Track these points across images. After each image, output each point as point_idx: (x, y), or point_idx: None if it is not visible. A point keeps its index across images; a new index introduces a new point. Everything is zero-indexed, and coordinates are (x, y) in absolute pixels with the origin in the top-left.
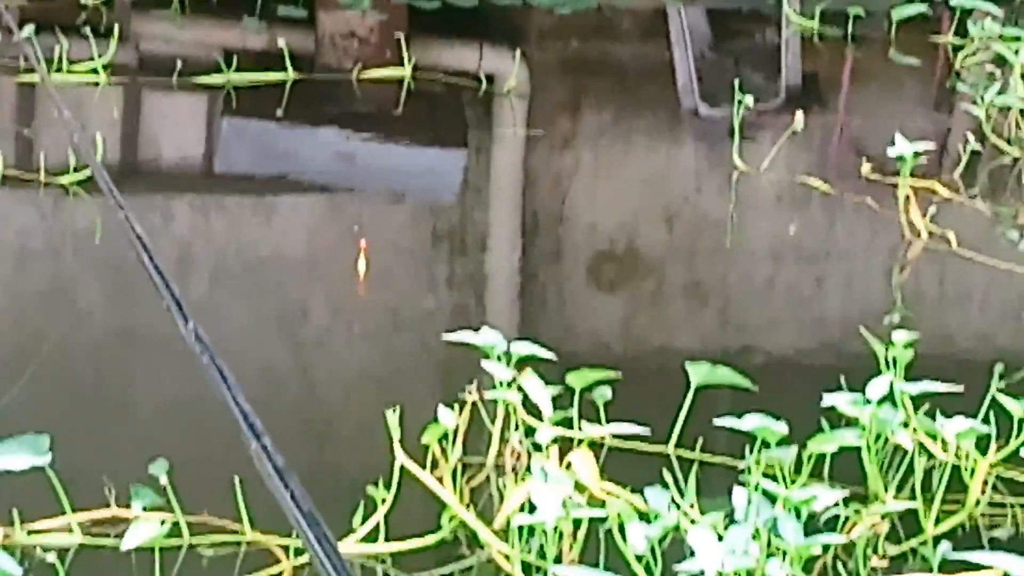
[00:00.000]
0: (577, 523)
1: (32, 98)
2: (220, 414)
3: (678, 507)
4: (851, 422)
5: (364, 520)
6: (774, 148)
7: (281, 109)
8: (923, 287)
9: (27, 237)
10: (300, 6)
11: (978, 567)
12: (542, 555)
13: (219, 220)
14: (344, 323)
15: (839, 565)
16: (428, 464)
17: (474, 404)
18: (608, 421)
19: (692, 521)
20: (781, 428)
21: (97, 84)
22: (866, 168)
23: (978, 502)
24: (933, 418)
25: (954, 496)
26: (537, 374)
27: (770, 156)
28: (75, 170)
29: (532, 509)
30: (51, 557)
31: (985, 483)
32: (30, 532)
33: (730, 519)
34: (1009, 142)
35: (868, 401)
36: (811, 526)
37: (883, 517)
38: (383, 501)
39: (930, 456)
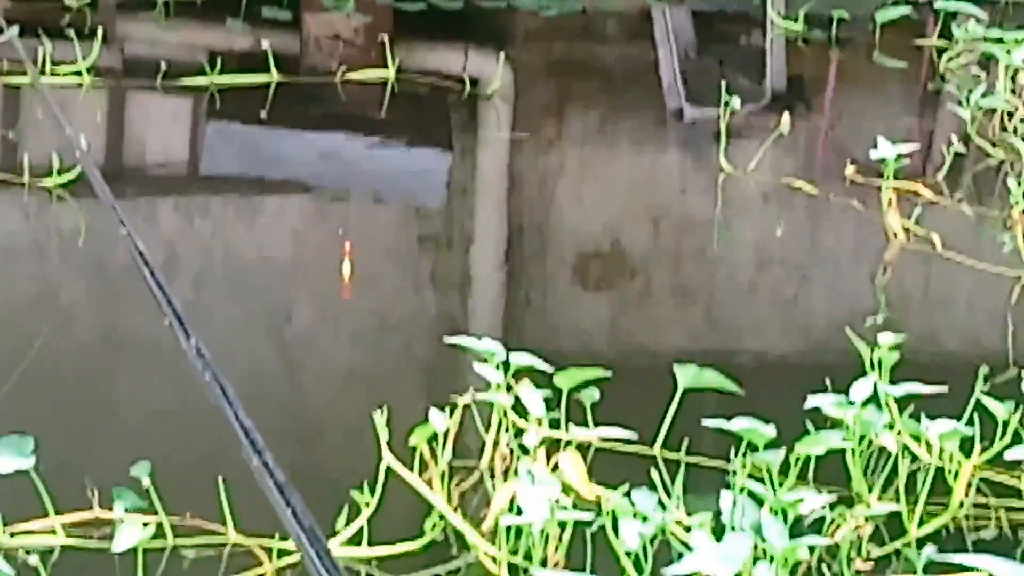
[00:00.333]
0: (563, 525)
1: (16, 100)
2: (203, 416)
3: (664, 508)
4: (836, 424)
5: (348, 523)
6: (760, 150)
7: (266, 111)
8: (908, 289)
9: (11, 239)
10: (285, 8)
11: (963, 568)
12: (528, 557)
13: (204, 222)
14: (329, 325)
15: (823, 567)
16: (416, 466)
17: (465, 407)
18: (594, 422)
19: (678, 522)
20: (769, 431)
21: (81, 86)
22: (850, 170)
23: (962, 504)
24: (918, 420)
25: (938, 498)
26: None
27: (756, 158)
28: (59, 172)
29: (520, 511)
30: (34, 559)
31: (969, 485)
32: (13, 534)
33: (717, 520)
34: (993, 144)
35: (852, 403)
36: (796, 528)
37: (867, 519)
38: (367, 505)
39: (914, 458)
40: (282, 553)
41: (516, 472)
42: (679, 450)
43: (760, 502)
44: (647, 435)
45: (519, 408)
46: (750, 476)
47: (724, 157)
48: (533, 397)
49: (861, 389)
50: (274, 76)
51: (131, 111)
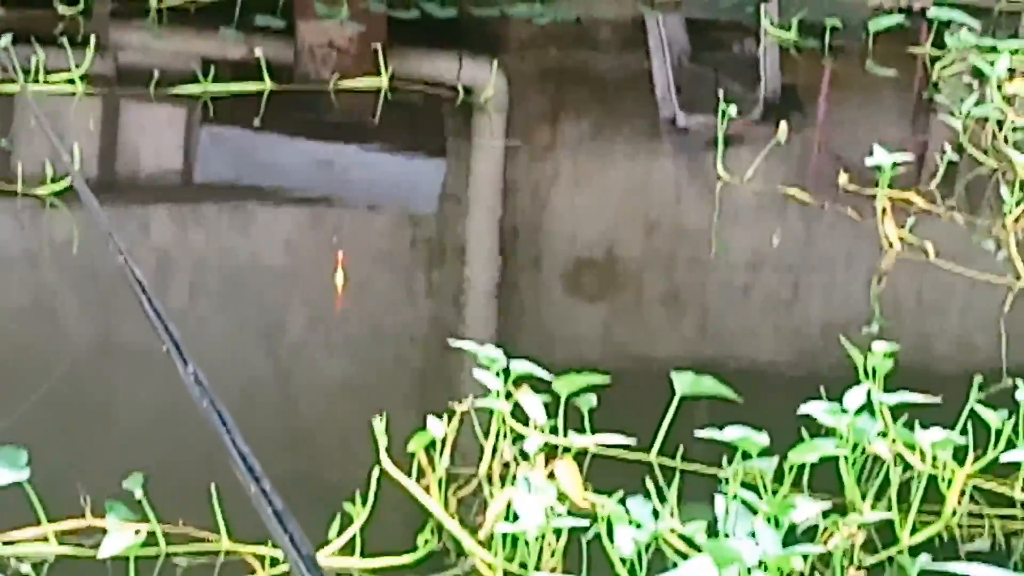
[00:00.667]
0: (559, 533)
1: (9, 108)
2: (195, 424)
3: (657, 516)
4: (830, 432)
5: (341, 531)
6: (757, 158)
7: (259, 119)
8: (901, 297)
9: (3, 248)
10: (278, 16)
11: None
12: (524, 565)
13: (197, 230)
14: (323, 332)
15: (816, 575)
16: (414, 473)
17: (462, 414)
18: (591, 428)
19: (672, 531)
20: (762, 439)
21: (74, 94)
22: (844, 179)
23: (955, 512)
24: (911, 428)
25: (931, 506)
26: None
27: (753, 166)
28: (52, 181)
29: (516, 518)
30: (26, 568)
31: (962, 493)
32: (5, 543)
33: (712, 528)
34: (986, 153)
35: (845, 411)
36: (789, 536)
37: (860, 527)
38: (358, 515)
39: (908, 466)
40: (274, 561)
41: (514, 479)
42: (675, 457)
43: (754, 510)
44: (642, 442)
45: (517, 414)
46: (744, 484)
47: (720, 165)
48: (533, 403)
49: (855, 397)
50: (267, 84)
51: (124, 119)
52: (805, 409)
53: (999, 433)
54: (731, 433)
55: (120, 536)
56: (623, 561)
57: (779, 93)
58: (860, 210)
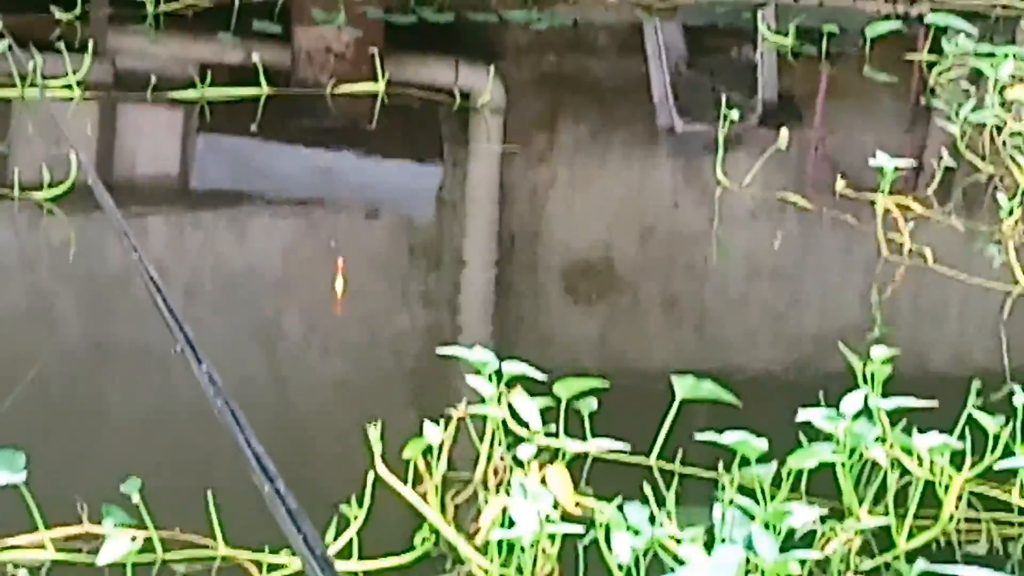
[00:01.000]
0: (554, 539)
1: (7, 113)
2: (193, 429)
3: (653, 521)
4: (828, 438)
5: (337, 536)
6: (756, 164)
7: (256, 124)
8: (900, 303)
9: (2, 253)
10: (276, 22)
11: None
12: (520, 571)
13: (194, 235)
14: (319, 338)
15: None
16: (410, 479)
17: (460, 420)
18: (591, 432)
19: (671, 536)
20: (761, 444)
21: (72, 99)
22: (841, 184)
23: (952, 518)
24: (909, 433)
25: (929, 512)
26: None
27: (752, 171)
28: (50, 185)
29: (511, 524)
30: (23, 573)
31: (959, 499)
32: (2, 548)
33: (710, 534)
34: (983, 159)
35: (843, 416)
36: (787, 541)
37: (857, 533)
38: (355, 518)
39: (905, 472)
40: (272, 567)
41: (510, 485)
42: (674, 461)
43: (752, 516)
44: (640, 447)
45: (516, 417)
46: (741, 489)
47: (720, 170)
48: (527, 406)
49: (852, 402)
50: (264, 89)
51: (122, 124)
52: (803, 415)
53: (996, 438)
54: (730, 437)
55: (119, 542)
56: (620, 567)
57: (776, 99)
58: (858, 215)
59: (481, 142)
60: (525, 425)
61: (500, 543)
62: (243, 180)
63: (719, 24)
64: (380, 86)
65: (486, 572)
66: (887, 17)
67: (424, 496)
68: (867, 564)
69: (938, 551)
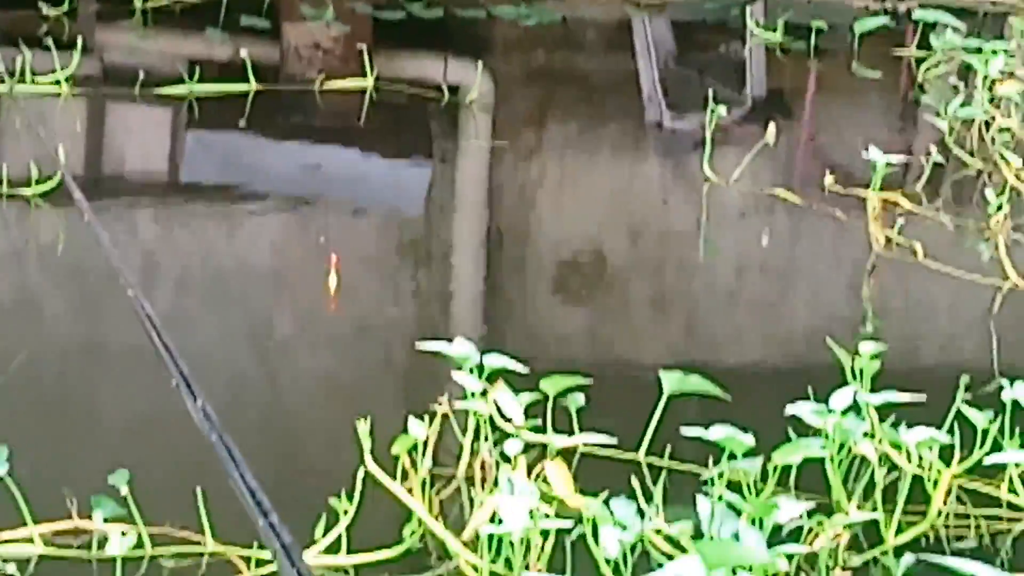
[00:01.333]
0: (544, 534)
1: None
2: (181, 425)
3: (643, 516)
4: (817, 433)
5: (327, 532)
6: (744, 159)
7: (245, 120)
8: (888, 298)
9: None
10: (264, 17)
11: (945, 570)
12: (509, 566)
13: (183, 231)
14: (309, 334)
15: (801, 575)
16: (398, 475)
17: (443, 416)
18: (578, 428)
19: (658, 531)
20: (748, 439)
21: (60, 95)
22: (829, 180)
23: (940, 512)
24: (898, 429)
25: (918, 507)
26: (507, 384)
27: (741, 167)
28: (38, 182)
29: (500, 520)
30: (11, 568)
31: (948, 493)
32: None
33: (697, 528)
34: (972, 155)
35: (832, 411)
36: (775, 536)
37: (846, 527)
38: (345, 512)
39: (893, 466)
40: (260, 562)
41: (496, 481)
42: (663, 456)
43: (739, 511)
44: (628, 443)
45: (501, 414)
46: (730, 484)
47: (708, 166)
48: (510, 401)
49: (841, 398)
50: (253, 85)
51: (110, 120)
52: (791, 410)
53: (985, 433)
54: (717, 432)
55: (118, 540)
56: (608, 562)
57: (765, 95)
58: (846, 211)
59: (470, 138)
60: (508, 420)
61: (490, 538)
62: (232, 176)
63: (708, 20)
64: (369, 82)
65: (475, 568)
66: (875, 13)
67: (410, 491)
68: (855, 559)
69: (927, 546)
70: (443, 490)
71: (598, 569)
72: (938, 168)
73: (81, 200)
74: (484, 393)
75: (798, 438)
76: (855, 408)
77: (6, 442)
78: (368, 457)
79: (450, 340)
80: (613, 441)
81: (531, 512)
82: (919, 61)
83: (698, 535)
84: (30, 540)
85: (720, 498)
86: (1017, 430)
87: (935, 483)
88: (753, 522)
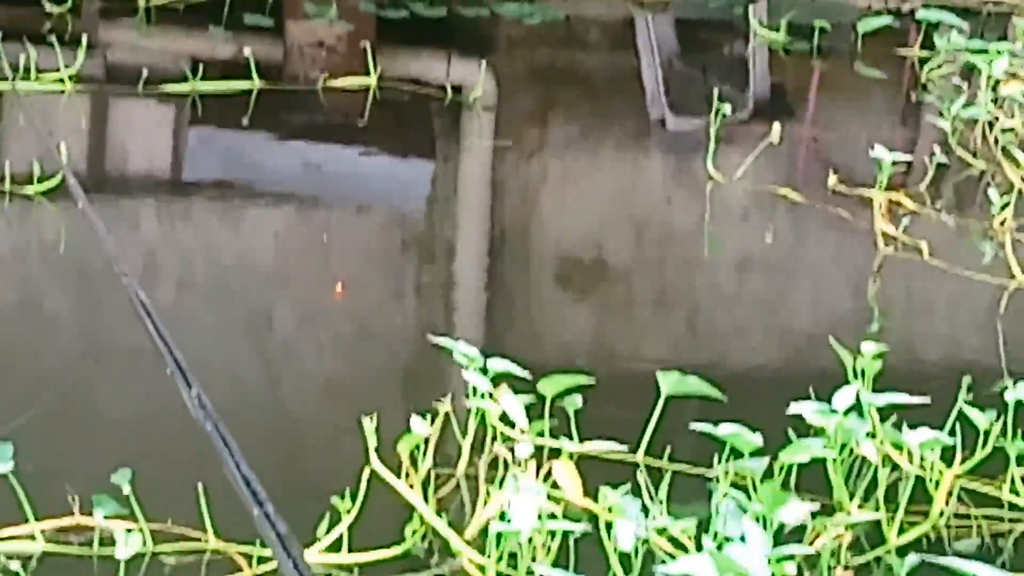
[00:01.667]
0: (552, 534)
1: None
2: (182, 422)
3: (647, 513)
4: (818, 432)
5: (330, 530)
6: (748, 158)
7: (248, 118)
8: (893, 297)
9: None
10: (268, 15)
11: (946, 570)
12: (514, 565)
13: (186, 228)
14: (311, 331)
15: (803, 575)
16: (401, 473)
17: (446, 414)
18: (576, 429)
19: (662, 530)
20: (756, 439)
21: (63, 92)
22: (833, 179)
23: (942, 513)
24: (900, 429)
25: (920, 507)
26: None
27: (744, 166)
28: (40, 180)
29: (507, 519)
30: (15, 565)
31: (950, 494)
32: None
33: (699, 529)
34: (975, 155)
35: (834, 411)
36: (777, 536)
37: (847, 528)
38: (348, 511)
39: (895, 467)
40: (262, 560)
41: (499, 480)
42: (661, 457)
43: (745, 509)
44: (628, 443)
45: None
46: (733, 484)
47: (711, 165)
48: (514, 404)
49: (843, 398)
50: (256, 83)
51: (114, 117)
52: (794, 409)
53: (987, 434)
54: (725, 429)
55: (123, 541)
56: (620, 556)
57: (768, 94)
58: (850, 210)
59: (473, 137)
60: (511, 424)
61: (499, 536)
62: (235, 174)
63: (711, 19)
64: (372, 80)
65: (480, 567)
66: (879, 13)
67: (412, 488)
68: (857, 559)
69: (928, 546)
70: (439, 488)
71: (602, 568)
72: (942, 168)
73: (77, 191)
74: (491, 395)
75: (799, 438)
76: (857, 408)
77: (10, 439)
78: (373, 455)
79: (453, 338)
80: (622, 448)
81: (540, 512)
82: (922, 61)
83: (703, 534)
84: (32, 537)
85: (726, 495)
86: (1020, 431)
87: (937, 484)
88: (758, 520)
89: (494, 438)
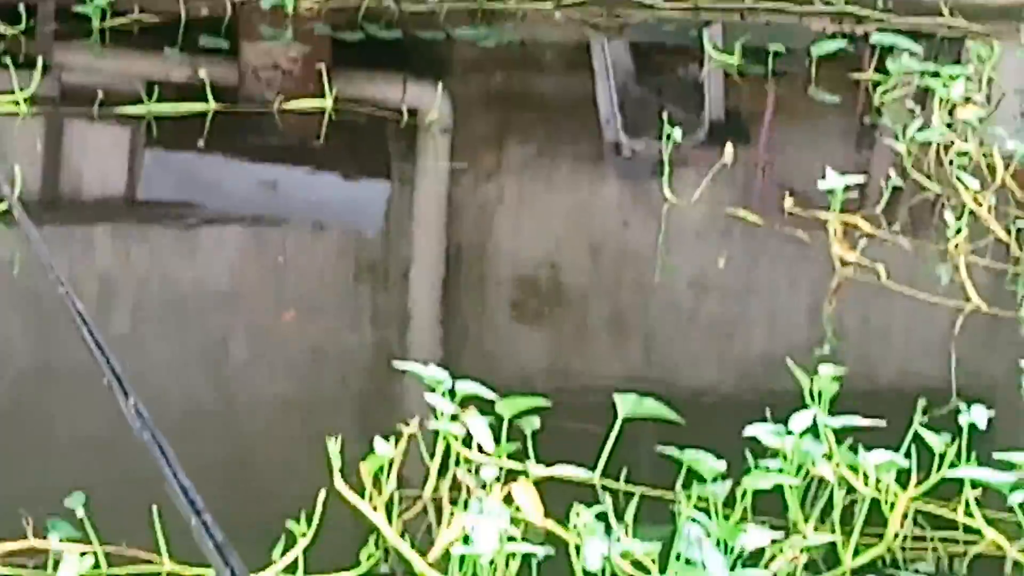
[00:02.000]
0: (513, 557)
1: None
2: (136, 446)
3: (610, 535)
4: (775, 455)
5: (284, 552)
6: (703, 181)
7: (203, 140)
8: (848, 320)
9: None
10: (223, 37)
11: None
12: None
13: (141, 251)
14: (266, 355)
15: None
16: (366, 496)
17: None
18: (534, 450)
19: (625, 553)
20: (719, 465)
21: (17, 115)
22: (789, 202)
23: (897, 535)
24: (856, 451)
25: (875, 530)
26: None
27: (699, 189)
28: None
29: (469, 541)
30: None
31: (905, 516)
32: None
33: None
34: (929, 178)
35: (790, 432)
36: (738, 556)
37: (803, 550)
38: (303, 534)
39: (851, 489)
40: None
41: (463, 503)
42: (618, 479)
43: (709, 533)
44: (585, 465)
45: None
46: (694, 506)
47: (667, 188)
48: (480, 427)
49: (800, 420)
50: (212, 105)
51: (68, 140)
52: (750, 431)
53: (942, 457)
54: (689, 455)
55: (74, 561)
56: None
57: (723, 117)
58: (806, 233)
59: (429, 159)
60: (475, 446)
61: (461, 558)
62: (190, 196)
63: (666, 42)
64: (328, 103)
65: None
66: (833, 36)
67: (375, 511)
68: None
69: (884, 568)
70: (403, 512)
71: None
72: (897, 191)
73: (20, 213)
74: (455, 417)
75: (755, 460)
76: (813, 430)
77: None
78: (338, 476)
79: (409, 359)
80: (587, 473)
81: (501, 535)
82: (876, 85)
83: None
84: None
85: (693, 520)
86: (974, 453)
87: (892, 506)
88: (718, 545)
89: (457, 462)
